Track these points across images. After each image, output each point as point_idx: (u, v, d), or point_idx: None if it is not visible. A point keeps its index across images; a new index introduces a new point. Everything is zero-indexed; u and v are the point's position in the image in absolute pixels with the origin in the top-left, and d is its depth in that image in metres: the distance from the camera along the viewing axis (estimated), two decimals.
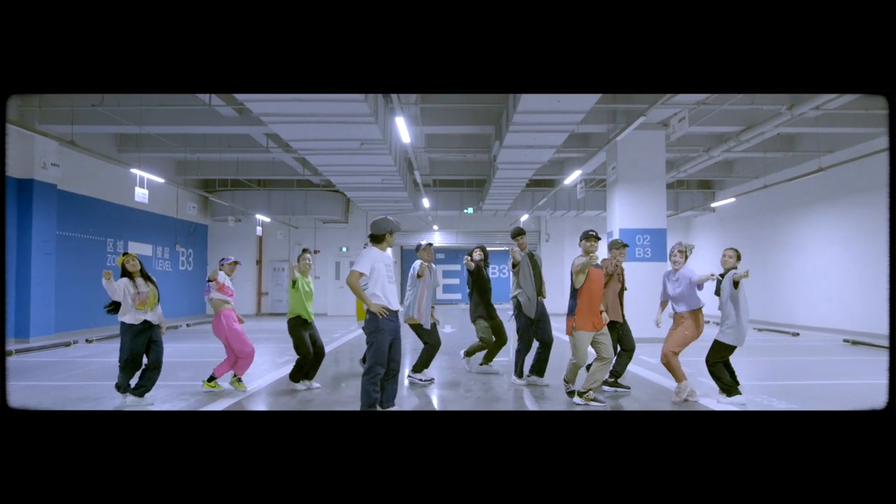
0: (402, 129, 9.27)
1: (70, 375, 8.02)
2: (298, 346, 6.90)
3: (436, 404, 6.42)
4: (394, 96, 9.22)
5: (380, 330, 5.10)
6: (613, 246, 6.89)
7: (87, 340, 11.92)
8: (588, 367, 6.22)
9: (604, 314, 6.08)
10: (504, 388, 7.00)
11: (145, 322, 6.08)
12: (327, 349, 10.71)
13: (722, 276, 6.16)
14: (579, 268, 5.89)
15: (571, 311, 5.97)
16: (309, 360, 6.95)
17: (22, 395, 6.84)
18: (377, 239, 5.24)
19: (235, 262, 7.20)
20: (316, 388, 7.00)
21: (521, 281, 7.10)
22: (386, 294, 5.14)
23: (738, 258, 6.24)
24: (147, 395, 6.15)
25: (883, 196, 11.58)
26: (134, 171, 11.46)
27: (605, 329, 6.09)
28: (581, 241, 6.11)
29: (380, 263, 5.17)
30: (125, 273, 6.14)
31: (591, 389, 5.98)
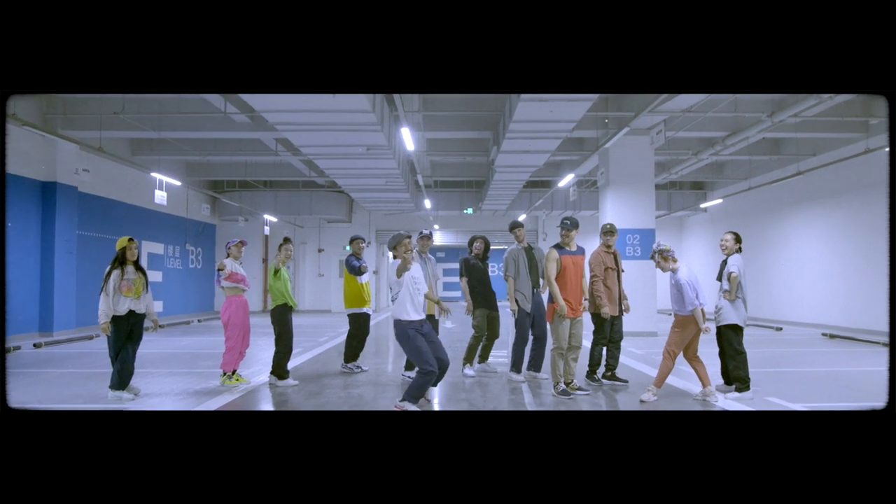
0: (408, 140, 9.93)
1: (103, 364, 8.67)
2: (282, 334, 6.85)
3: (435, 404, 6.42)
4: (399, 105, 9.86)
5: (409, 335, 5.36)
6: (602, 231, 6.97)
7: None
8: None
9: (586, 303, 6.32)
10: (502, 386, 6.93)
11: (130, 312, 6.04)
12: (332, 343, 11.39)
13: (724, 262, 6.28)
14: (549, 262, 6.19)
15: (552, 299, 6.15)
16: (288, 351, 6.87)
17: (62, 381, 7.50)
18: (395, 253, 5.54)
19: (241, 243, 7.01)
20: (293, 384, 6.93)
21: (513, 275, 7.03)
22: (414, 304, 5.44)
23: (738, 240, 6.24)
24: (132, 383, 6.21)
25: (863, 197, 12.39)
26: (154, 175, 12.11)
27: (580, 319, 6.30)
28: (559, 227, 6.32)
29: (406, 274, 5.44)
30: (119, 259, 6.08)
31: (559, 382, 6.20)
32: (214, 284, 7.21)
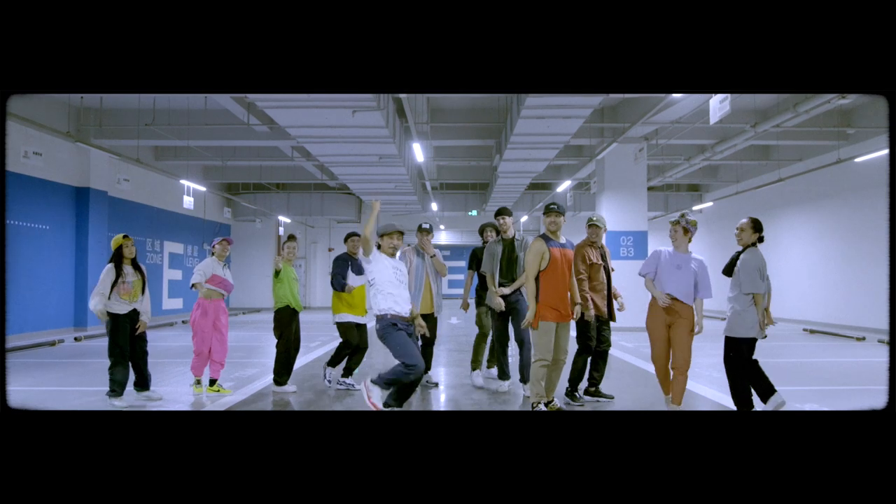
0: (418, 153, 10.80)
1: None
2: (281, 336, 6.37)
3: (434, 404, 6.25)
4: (409, 116, 10.70)
5: (390, 331, 4.80)
6: (587, 223, 5.89)
7: None
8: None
9: (577, 307, 5.33)
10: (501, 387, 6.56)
11: (133, 310, 5.84)
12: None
13: (738, 254, 5.32)
14: (532, 255, 5.10)
15: (534, 297, 5.12)
16: (288, 355, 6.42)
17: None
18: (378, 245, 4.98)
19: (225, 241, 6.53)
20: (291, 391, 6.44)
21: (491, 270, 6.15)
22: (396, 298, 4.88)
23: (755, 230, 5.18)
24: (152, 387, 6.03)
25: (842, 201, 13.46)
26: (183, 182, 12.99)
27: (569, 325, 5.31)
28: (543, 215, 5.24)
29: (387, 267, 4.92)
30: (116, 257, 5.85)
31: (539, 402, 5.16)
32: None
